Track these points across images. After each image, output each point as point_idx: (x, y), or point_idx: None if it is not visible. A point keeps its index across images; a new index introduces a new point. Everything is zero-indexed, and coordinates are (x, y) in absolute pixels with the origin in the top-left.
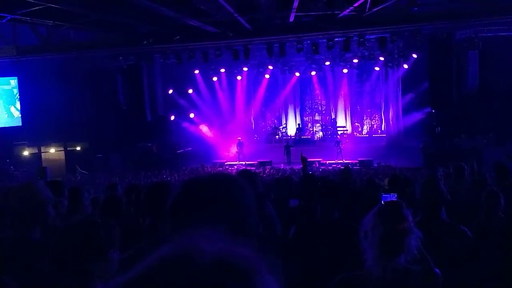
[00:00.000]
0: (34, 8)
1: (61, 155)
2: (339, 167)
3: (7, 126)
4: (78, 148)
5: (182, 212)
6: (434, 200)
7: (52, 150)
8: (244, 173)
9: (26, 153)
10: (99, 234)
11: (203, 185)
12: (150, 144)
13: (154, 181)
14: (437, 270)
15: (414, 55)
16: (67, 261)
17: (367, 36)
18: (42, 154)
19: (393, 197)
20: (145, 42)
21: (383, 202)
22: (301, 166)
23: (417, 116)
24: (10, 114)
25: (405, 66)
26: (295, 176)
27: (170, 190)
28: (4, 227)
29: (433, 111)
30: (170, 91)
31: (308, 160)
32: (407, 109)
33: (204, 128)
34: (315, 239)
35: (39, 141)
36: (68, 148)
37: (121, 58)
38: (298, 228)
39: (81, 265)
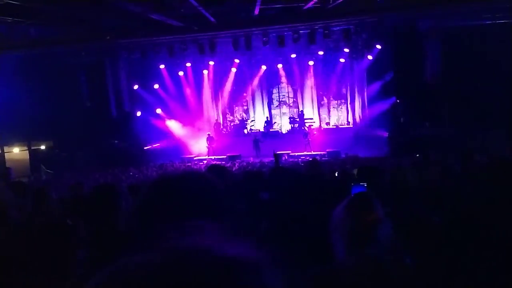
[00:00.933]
0: None
1: (25, 154)
2: (307, 159)
3: None
4: (43, 147)
5: (151, 213)
6: (402, 189)
7: (16, 150)
8: (213, 168)
9: None
10: (66, 234)
11: (171, 183)
12: (116, 141)
13: (121, 178)
14: (408, 259)
15: (378, 46)
16: (33, 263)
17: (332, 28)
18: (5, 154)
19: (362, 187)
20: (108, 37)
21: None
22: (271, 159)
23: (382, 106)
24: None
25: (370, 57)
26: (265, 169)
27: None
28: None
29: (398, 100)
30: (136, 87)
31: (274, 151)
32: (373, 100)
33: (172, 124)
34: (286, 232)
35: (2, 141)
36: (32, 147)
37: (83, 53)
38: (269, 222)
39: (48, 266)
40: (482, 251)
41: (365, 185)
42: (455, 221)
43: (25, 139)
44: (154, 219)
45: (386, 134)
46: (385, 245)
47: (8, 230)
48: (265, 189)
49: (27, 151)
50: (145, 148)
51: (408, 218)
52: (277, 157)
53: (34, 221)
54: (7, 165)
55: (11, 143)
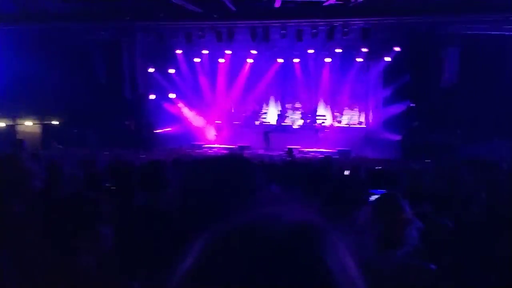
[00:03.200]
0: None
1: (37, 128)
2: (317, 156)
3: None
4: (55, 122)
5: (195, 192)
6: (419, 193)
7: (28, 123)
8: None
9: (0, 125)
10: (87, 208)
11: (216, 164)
12: (127, 122)
13: (133, 159)
14: (432, 265)
15: (397, 48)
16: (54, 236)
17: (351, 27)
18: (18, 126)
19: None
20: (128, 17)
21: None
22: (279, 153)
23: (396, 109)
24: None
25: (387, 58)
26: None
27: (164, 169)
28: None
29: (412, 105)
30: (151, 70)
31: (288, 146)
32: (388, 102)
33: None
34: None
35: (15, 113)
36: (45, 122)
37: (101, 32)
38: None
39: (68, 240)
40: (492, 258)
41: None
42: (465, 229)
43: (38, 113)
44: (193, 201)
45: (397, 138)
46: (415, 246)
47: (32, 200)
48: (278, 182)
49: (39, 125)
50: (156, 131)
51: (425, 223)
52: (291, 151)
53: (54, 193)
54: (19, 137)
55: (23, 116)
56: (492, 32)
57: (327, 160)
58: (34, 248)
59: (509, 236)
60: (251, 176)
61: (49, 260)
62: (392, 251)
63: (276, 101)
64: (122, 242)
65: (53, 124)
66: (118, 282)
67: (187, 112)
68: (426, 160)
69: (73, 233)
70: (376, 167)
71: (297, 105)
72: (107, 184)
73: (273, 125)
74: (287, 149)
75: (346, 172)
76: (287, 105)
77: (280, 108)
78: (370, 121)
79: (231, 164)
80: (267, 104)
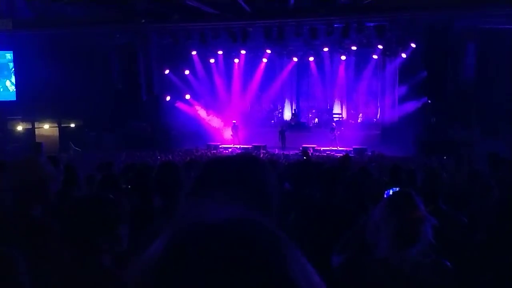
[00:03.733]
0: None
1: (55, 131)
2: (333, 154)
3: (1, 100)
4: (72, 125)
5: (204, 190)
6: (435, 189)
7: (46, 126)
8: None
9: (19, 128)
10: (107, 209)
11: (228, 163)
12: (144, 124)
13: (149, 161)
14: (447, 262)
15: (413, 45)
16: (74, 236)
17: (366, 24)
18: (36, 129)
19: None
20: (143, 20)
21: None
22: (295, 152)
23: (412, 106)
24: (6, 88)
25: (403, 55)
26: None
27: (179, 170)
28: (5, 202)
29: (429, 101)
30: (167, 71)
31: (303, 146)
32: (403, 98)
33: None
34: (315, 225)
35: (33, 117)
36: (62, 125)
37: (117, 36)
38: (297, 213)
39: (88, 240)
40: (506, 254)
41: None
42: (479, 224)
43: (56, 116)
44: (205, 195)
45: (414, 135)
46: (430, 243)
47: (51, 202)
48: (295, 180)
49: (57, 128)
50: (172, 132)
51: (439, 219)
52: (306, 151)
53: (73, 195)
54: (37, 140)
55: (41, 119)
56: (508, 26)
57: (345, 159)
58: (53, 249)
59: None
60: (261, 175)
61: (68, 261)
62: (407, 249)
63: (291, 100)
64: (138, 242)
65: (71, 127)
66: None
67: (202, 112)
68: (443, 157)
69: (92, 233)
70: (392, 164)
71: (313, 103)
72: (123, 186)
73: (288, 123)
74: (302, 149)
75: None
76: (302, 104)
77: (295, 107)
78: (387, 118)
79: (242, 164)
80: (283, 103)
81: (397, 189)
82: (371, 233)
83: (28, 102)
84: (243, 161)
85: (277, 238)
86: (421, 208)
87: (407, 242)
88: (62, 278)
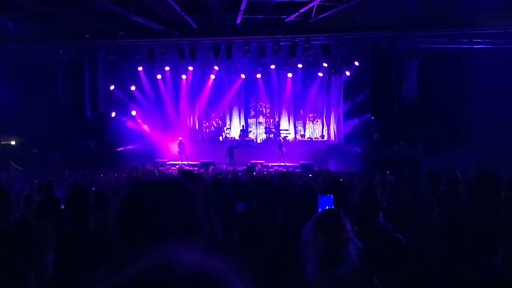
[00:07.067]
0: None
1: None
2: (281, 170)
3: None
4: (13, 143)
5: (131, 219)
6: (371, 207)
7: None
8: (186, 174)
9: None
10: (33, 237)
11: (152, 190)
12: (89, 141)
13: (93, 179)
14: (375, 279)
15: (356, 63)
16: (2, 267)
17: (312, 42)
18: None
19: (329, 198)
20: (88, 36)
21: (320, 208)
22: (244, 167)
23: (357, 123)
24: None
25: (347, 73)
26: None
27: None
28: None
29: (372, 118)
30: (112, 87)
31: (251, 162)
32: (348, 115)
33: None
34: (257, 243)
35: None
36: (2, 142)
37: (62, 52)
38: (241, 232)
39: (15, 269)
40: (449, 272)
41: (332, 196)
42: (420, 242)
43: None
44: (130, 227)
45: (359, 150)
46: (354, 264)
47: None
48: (242, 199)
49: None
50: (118, 149)
51: (375, 236)
52: (250, 169)
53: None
54: None
55: None
56: (449, 46)
57: (286, 175)
58: None
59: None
60: (189, 201)
61: None
62: (333, 269)
63: (239, 116)
64: (64, 267)
65: (11, 144)
66: None
67: (149, 128)
68: (387, 172)
69: (18, 262)
70: (333, 179)
71: (261, 120)
72: (63, 207)
73: (236, 140)
74: (246, 167)
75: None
76: (250, 120)
77: (243, 123)
78: (332, 134)
79: (169, 189)
80: (231, 120)
81: (331, 196)
82: (302, 253)
83: None
84: (169, 187)
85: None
86: (348, 228)
87: (332, 263)
88: None
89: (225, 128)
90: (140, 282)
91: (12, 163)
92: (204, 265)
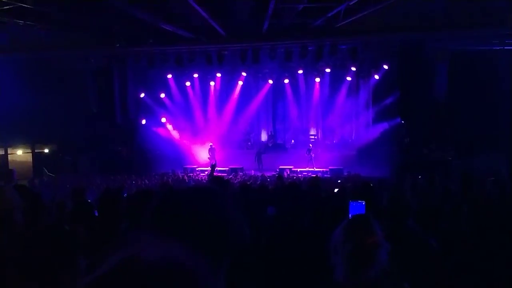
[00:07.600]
0: (5, 7)
1: (29, 157)
2: (309, 175)
3: None
4: (46, 150)
5: (164, 223)
6: (401, 210)
7: (19, 152)
8: (216, 180)
9: None
10: (67, 241)
11: (185, 196)
12: (120, 148)
13: (124, 185)
14: (406, 284)
15: (385, 66)
16: (33, 270)
17: (340, 46)
18: (9, 155)
19: (360, 204)
20: (118, 44)
21: (351, 214)
22: (272, 173)
23: (386, 126)
24: None
25: (376, 76)
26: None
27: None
28: None
29: (402, 121)
30: (142, 95)
31: (279, 167)
32: (377, 119)
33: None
34: (284, 248)
35: (6, 142)
36: (36, 150)
37: (92, 60)
38: (269, 237)
39: (48, 273)
40: (477, 277)
41: (364, 202)
42: (450, 245)
43: (29, 142)
44: (162, 232)
45: (389, 154)
46: (384, 268)
47: (12, 234)
48: (271, 204)
49: (31, 154)
50: (148, 156)
51: (405, 240)
52: (281, 177)
53: (32, 226)
54: (10, 166)
55: (15, 145)
56: (479, 47)
57: (315, 180)
58: (14, 282)
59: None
60: (221, 208)
61: None
62: (361, 273)
63: (267, 121)
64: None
65: (45, 152)
66: None
67: (178, 135)
68: (418, 176)
69: (52, 266)
70: (362, 184)
71: (289, 125)
72: (95, 213)
73: (265, 145)
74: (277, 174)
75: (336, 190)
76: (279, 125)
77: (271, 129)
78: (362, 138)
79: (202, 195)
80: (259, 125)
81: (363, 202)
82: (331, 256)
83: (1, 128)
84: (201, 193)
85: (194, 279)
86: (378, 233)
87: (361, 267)
88: None
89: (253, 134)
90: (108, 279)
91: (46, 170)
92: (171, 256)
